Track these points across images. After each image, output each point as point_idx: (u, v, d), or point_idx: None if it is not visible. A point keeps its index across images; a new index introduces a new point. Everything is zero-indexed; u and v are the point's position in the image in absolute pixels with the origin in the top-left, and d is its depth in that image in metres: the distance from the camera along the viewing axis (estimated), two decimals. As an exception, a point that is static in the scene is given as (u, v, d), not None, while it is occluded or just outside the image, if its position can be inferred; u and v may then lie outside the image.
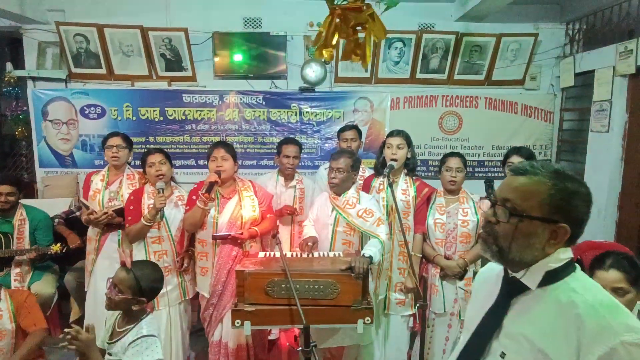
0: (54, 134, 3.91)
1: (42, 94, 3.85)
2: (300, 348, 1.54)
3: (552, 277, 0.89)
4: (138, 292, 1.62)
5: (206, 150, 3.89)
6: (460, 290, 2.32)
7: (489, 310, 0.99)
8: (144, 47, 3.76)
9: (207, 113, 3.97)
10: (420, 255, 2.40)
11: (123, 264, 1.66)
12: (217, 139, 3.99)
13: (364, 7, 1.50)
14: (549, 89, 4.08)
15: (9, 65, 3.96)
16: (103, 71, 3.85)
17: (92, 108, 3.90)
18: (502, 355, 0.91)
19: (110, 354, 1.63)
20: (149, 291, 1.66)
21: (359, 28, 1.62)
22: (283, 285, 1.86)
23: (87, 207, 2.54)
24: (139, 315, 1.65)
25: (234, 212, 2.38)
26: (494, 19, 3.83)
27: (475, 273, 2.15)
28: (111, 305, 1.63)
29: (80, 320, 3.01)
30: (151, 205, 2.40)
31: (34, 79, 3.88)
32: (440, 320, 2.38)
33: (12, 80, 3.89)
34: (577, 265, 0.93)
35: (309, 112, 4.01)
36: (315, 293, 1.85)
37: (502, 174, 3.98)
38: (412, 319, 2.47)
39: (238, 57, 3.86)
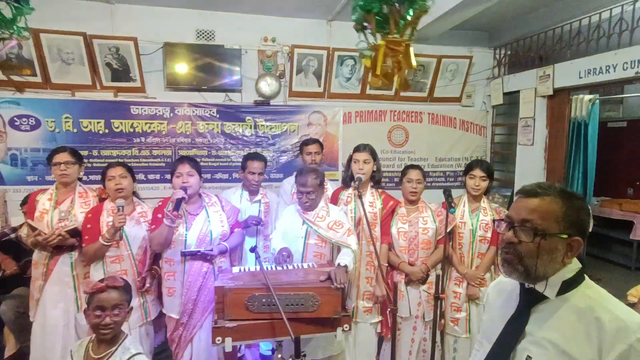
0: (-24, 147, 3.49)
1: (-39, 103, 3.43)
2: (291, 358, 1.56)
3: (568, 286, 1.00)
4: (129, 302, 1.62)
5: (157, 165, 3.86)
6: (423, 293, 2.50)
7: (510, 320, 1.07)
8: (87, 55, 3.53)
9: (158, 125, 3.82)
10: (387, 265, 2.53)
11: (107, 287, 1.58)
12: (168, 152, 3.86)
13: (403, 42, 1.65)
14: (482, 106, 4.54)
15: None
16: (38, 79, 3.53)
17: (24, 119, 3.55)
18: (529, 358, 1.00)
19: None
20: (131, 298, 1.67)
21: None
22: (264, 300, 1.86)
23: (34, 229, 2.31)
24: (118, 337, 1.58)
25: (203, 228, 2.32)
26: (435, 42, 4.19)
27: (437, 277, 2.33)
28: (115, 329, 1.56)
29: (18, 356, 2.70)
30: (110, 224, 2.26)
31: (-47, 86, 3.45)
32: (406, 324, 2.53)
33: None
34: (585, 276, 1.04)
35: (264, 125, 4.03)
36: (295, 307, 1.88)
37: (457, 183, 4.34)
38: (379, 325, 2.59)
39: (190, 69, 3.78)
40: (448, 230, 2.39)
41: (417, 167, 2.57)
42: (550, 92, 3.65)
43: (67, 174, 2.43)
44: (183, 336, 2.30)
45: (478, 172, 2.52)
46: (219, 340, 1.81)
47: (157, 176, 3.87)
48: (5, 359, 2.68)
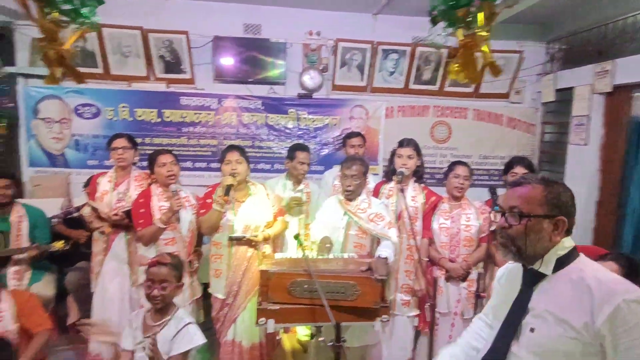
0: (45, 132, 3.81)
1: (34, 92, 3.75)
2: (332, 343, 1.62)
3: (562, 262, 1.13)
4: (179, 278, 1.75)
5: (203, 153, 4.04)
6: (463, 290, 2.47)
7: (515, 299, 1.20)
8: (143, 48, 3.74)
9: (205, 116, 3.98)
10: (427, 259, 2.53)
11: (156, 263, 1.71)
12: (214, 142, 4.02)
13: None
14: (531, 103, 4.36)
15: (-3, 61, 3.83)
16: (100, 70, 3.79)
17: (87, 107, 3.83)
18: (532, 330, 1.12)
19: (144, 348, 1.67)
20: (182, 275, 1.84)
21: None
22: (305, 286, 1.93)
23: (96, 209, 2.51)
24: (172, 307, 1.72)
25: (249, 214, 2.43)
26: (483, 36, 4.07)
27: (479, 274, 2.30)
28: (163, 301, 1.70)
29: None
30: (162, 207, 2.41)
31: (25, 76, 3.77)
32: (444, 320, 2.51)
33: (1, 76, 3.77)
34: (580, 253, 1.16)
35: (306, 117, 4.10)
36: (335, 294, 1.93)
37: (501, 182, 4.21)
38: (416, 319, 2.59)
39: (237, 62, 3.91)
40: (492, 228, 2.35)
41: (464, 163, 2.55)
42: (609, 89, 3.44)
43: (124, 158, 2.62)
44: (228, 316, 2.42)
45: (520, 170, 2.46)
46: (262, 321, 1.89)
47: (204, 164, 4.04)
48: (69, 326, 2.93)
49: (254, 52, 3.95)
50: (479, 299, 2.31)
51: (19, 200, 2.88)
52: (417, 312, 2.58)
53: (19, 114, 3.81)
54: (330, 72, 4.09)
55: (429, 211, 2.54)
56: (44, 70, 3.70)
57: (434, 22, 1.83)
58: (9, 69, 3.71)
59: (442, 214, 2.51)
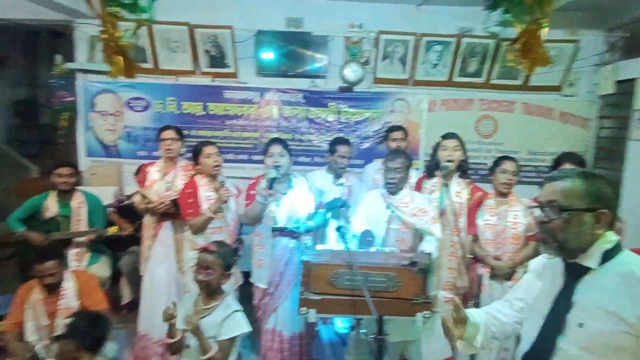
0: (101, 124, 4.04)
1: (91, 86, 3.99)
2: (374, 336, 1.62)
3: (608, 255, 1.12)
4: (226, 267, 1.76)
5: (245, 146, 4.13)
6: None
7: (559, 294, 1.19)
8: (190, 43, 3.87)
9: (248, 109, 4.07)
10: (471, 256, 2.47)
11: (205, 249, 1.78)
12: (256, 134, 4.10)
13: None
14: (586, 96, 4.10)
15: (57, 58, 4.10)
16: (150, 65, 3.96)
17: (138, 101, 4.03)
18: (580, 325, 1.10)
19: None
20: (231, 265, 1.86)
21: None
22: (347, 277, 1.94)
23: (145, 197, 2.64)
24: (221, 292, 1.79)
25: (291, 206, 2.47)
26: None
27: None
28: (208, 285, 1.76)
29: (131, 304, 3.14)
30: (210, 197, 2.50)
31: (84, 71, 4.01)
32: (487, 319, 2.44)
33: (61, 72, 4.03)
34: (624, 247, 1.15)
35: (347, 111, 4.09)
36: (377, 285, 1.93)
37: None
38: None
39: (279, 56, 3.95)
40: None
41: (512, 158, 2.45)
42: (676, 81, 3.18)
43: (172, 148, 2.74)
44: (269, 304, 2.48)
45: (569, 167, 2.32)
46: (304, 310, 1.93)
47: (245, 157, 4.14)
48: (122, 306, 3.12)
49: (296, 45, 3.97)
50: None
51: (79, 187, 3.07)
52: (459, 310, 2.52)
53: (77, 107, 4.07)
54: (372, 65, 4.04)
55: (474, 207, 2.47)
56: (101, 66, 3.98)
57: (494, 6, 1.76)
58: (70, 65, 3.96)
59: (488, 210, 2.43)
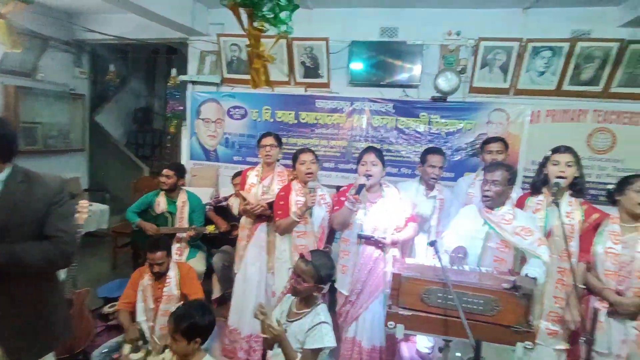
0: (204, 131, 4.43)
1: (198, 96, 4.40)
2: (470, 361, 1.50)
3: None
4: (318, 280, 1.75)
5: (333, 154, 4.20)
6: (632, 330, 2.04)
7: None
8: (287, 55, 4.06)
9: (337, 118, 4.13)
10: (584, 287, 2.17)
11: (302, 256, 1.80)
12: (344, 143, 4.14)
13: None
14: None
15: (173, 71, 4.62)
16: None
17: (237, 109, 4.34)
18: None
19: (285, 330, 1.78)
20: (326, 278, 1.80)
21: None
22: (440, 295, 1.84)
23: (244, 199, 2.81)
24: (314, 300, 1.79)
25: (379, 215, 2.43)
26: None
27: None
28: (296, 292, 1.79)
29: (221, 299, 3.35)
30: (299, 202, 2.57)
31: (193, 82, 4.45)
32: (603, 361, 2.12)
33: (175, 84, 4.54)
34: None
35: (438, 121, 3.93)
36: (473, 307, 1.80)
37: None
38: (565, 353, 2.24)
39: (372, 66, 3.96)
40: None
41: None
42: None
43: (271, 155, 2.87)
44: (350, 313, 2.46)
45: None
46: (391, 324, 1.86)
47: (332, 164, 4.20)
48: (212, 301, 3.34)
49: (389, 55, 3.95)
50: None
51: (184, 187, 3.39)
52: (566, 345, 2.23)
53: (185, 115, 4.52)
54: (469, 74, 3.85)
55: (589, 230, 2.17)
56: (209, 78, 4.39)
57: None
58: (182, 78, 4.43)
59: (611, 236, 2.10)
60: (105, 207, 4.49)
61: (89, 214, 2.61)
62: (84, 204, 2.49)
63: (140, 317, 2.55)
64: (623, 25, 3.48)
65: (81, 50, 5.06)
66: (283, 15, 2.06)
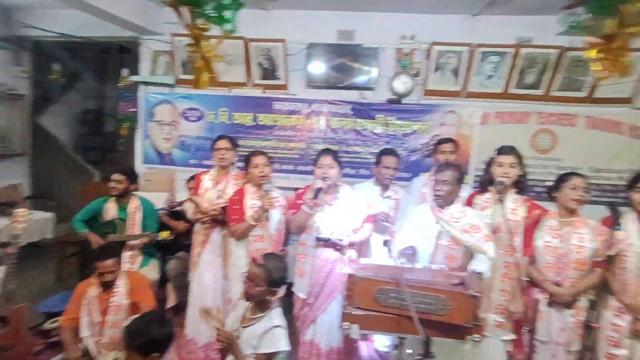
0: (158, 133, 4.28)
1: (152, 97, 4.25)
2: (420, 357, 1.54)
3: None
4: (271, 283, 1.73)
5: (291, 156, 4.18)
6: (569, 319, 2.19)
7: None
8: (244, 56, 4.00)
9: (295, 120, 4.12)
10: (527, 279, 2.29)
11: (254, 260, 1.78)
12: (302, 145, 4.14)
13: None
14: (661, 109, 3.75)
15: (125, 71, 4.41)
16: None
17: (193, 111, 4.22)
18: None
19: (237, 337, 1.75)
20: (280, 281, 1.78)
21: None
22: (392, 294, 1.87)
23: (198, 204, 2.73)
24: (269, 305, 1.77)
25: (336, 218, 2.44)
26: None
27: (591, 302, 2.02)
28: (249, 297, 1.76)
29: (176, 308, 3.24)
30: (255, 205, 2.54)
31: (145, 83, 4.28)
32: (544, 348, 2.24)
33: (126, 85, 4.34)
34: None
35: (395, 123, 4.02)
36: (424, 307, 1.84)
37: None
38: (511, 343, 2.36)
39: (328, 68, 3.99)
40: (613, 252, 2.04)
41: (581, 174, 2.26)
42: None
43: (226, 158, 2.81)
44: (308, 315, 2.45)
45: None
46: (346, 325, 1.87)
47: (291, 167, 4.18)
48: (167, 310, 3.22)
49: (346, 58, 3.98)
50: (588, 329, 2.03)
51: (136, 193, 3.24)
52: (512, 336, 2.33)
53: (138, 117, 4.34)
54: (423, 77, 3.97)
55: (531, 226, 2.30)
56: (162, 79, 4.24)
57: (580, 3, 1.65)
58: (134, 78, 4.25)
59: (549, 230, 2.24)
60: (49, 215, 4.22)
61: (30, 223, 2.44)
62: (21, 212, 2.33)
63: (85, 332, 2.40)
64: (561, 33, 3.72)
65: (21, 47, 4.73)
66: (227, 14, 2.02)
